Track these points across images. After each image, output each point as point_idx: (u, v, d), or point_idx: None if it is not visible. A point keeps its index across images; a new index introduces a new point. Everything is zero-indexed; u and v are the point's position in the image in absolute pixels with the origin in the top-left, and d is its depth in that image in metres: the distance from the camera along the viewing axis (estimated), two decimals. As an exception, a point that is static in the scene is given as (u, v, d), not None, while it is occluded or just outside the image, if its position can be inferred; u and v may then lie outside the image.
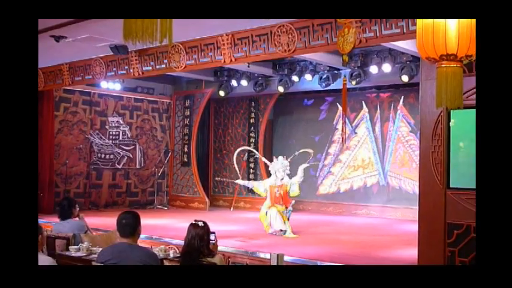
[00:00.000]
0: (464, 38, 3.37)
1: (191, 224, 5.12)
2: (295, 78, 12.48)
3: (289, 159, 10.33)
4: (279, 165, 10.16)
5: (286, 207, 9.94)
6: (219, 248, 6.60)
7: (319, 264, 7.01)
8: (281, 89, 12.81)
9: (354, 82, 11.56)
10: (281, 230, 9.71)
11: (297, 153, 10.75)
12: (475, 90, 5.61)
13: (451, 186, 5.84)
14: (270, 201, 10.07)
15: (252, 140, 14.61)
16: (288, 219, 9.86)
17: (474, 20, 3.33)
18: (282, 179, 10.08)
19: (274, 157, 10.68)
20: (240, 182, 11.14)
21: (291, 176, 10.22)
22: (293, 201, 10.27)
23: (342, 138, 7.56)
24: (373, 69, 11.31)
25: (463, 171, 5.84)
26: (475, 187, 5.63)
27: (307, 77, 12.28)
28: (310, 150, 10.94)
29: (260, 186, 10.50)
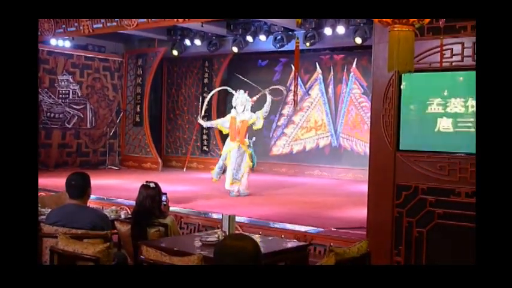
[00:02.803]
0: (417, 2, 3.39)
1: (142, 185, 5.12)
2: (249, 38, 12.37)
3: (257, 97, 10.32)
4: (242, 98, 10.05)
5: (243, 144, 9.84)
6: (171, 209, 6.62)
7: (271, 225, 7.10)
8: (235, 49, 12.71)
9: (308, 44, 11.54)
10: (238, 191, 9.71)
11: (267, 90, 10.46)
12: (426, 54, 5.69)
13: (400, 148, 5.94)
14: (230, 134, 9.99)
15: (206, 100, 14.50)
16: (253, 157, 9.87)
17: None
18: (243, 111, 9.98)
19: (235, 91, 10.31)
20: (202, 122, 10.68)
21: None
22: (254, 138, 10.22)
23: (294, 100, 7.56)
24: (327, 31, 11.30)
25: (413, 134, 5.94)
26: (423, 150, 5.79)
27: (262, 37, 12.19)
28: (282, 88, 10.98)
29: (225, 123, 10.22)
